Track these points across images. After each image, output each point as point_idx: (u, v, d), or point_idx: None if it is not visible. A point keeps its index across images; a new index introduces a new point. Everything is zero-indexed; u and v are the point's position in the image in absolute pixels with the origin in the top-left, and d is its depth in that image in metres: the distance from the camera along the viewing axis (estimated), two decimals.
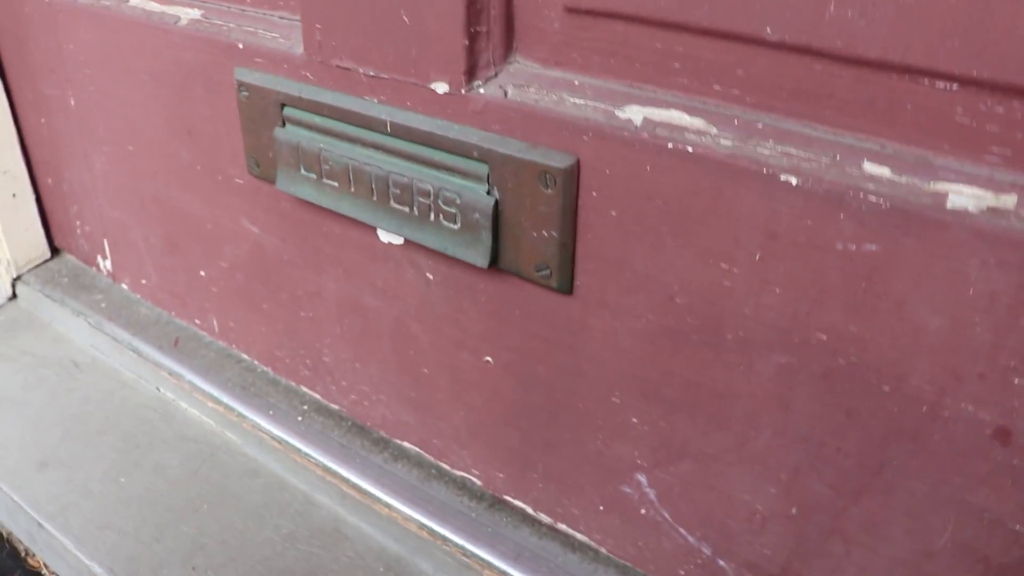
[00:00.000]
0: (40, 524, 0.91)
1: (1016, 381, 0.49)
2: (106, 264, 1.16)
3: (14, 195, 1.18)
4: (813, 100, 0.52)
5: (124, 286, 1.15)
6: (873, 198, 0.50)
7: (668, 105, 0.57)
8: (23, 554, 0.97)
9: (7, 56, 1.11)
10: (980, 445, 0.52)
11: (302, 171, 0.77)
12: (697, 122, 0.56)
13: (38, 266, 1.24)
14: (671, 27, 0.55)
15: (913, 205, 0.49)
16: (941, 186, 0.48)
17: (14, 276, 1.22)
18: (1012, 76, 0.45)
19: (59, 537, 0.89)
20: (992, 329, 0.49)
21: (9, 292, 1.23)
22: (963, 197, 0.48)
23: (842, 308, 0.54)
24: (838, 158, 0.51)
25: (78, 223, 1.17)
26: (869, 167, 0.50)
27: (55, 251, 1.26)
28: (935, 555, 0.57)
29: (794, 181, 0.52)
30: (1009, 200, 0.47)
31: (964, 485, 0.54)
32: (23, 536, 0.96)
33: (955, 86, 0.47)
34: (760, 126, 0.54)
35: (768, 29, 0.51)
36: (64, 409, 1.05)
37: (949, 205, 0.48)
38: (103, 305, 1.14)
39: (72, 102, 1.04)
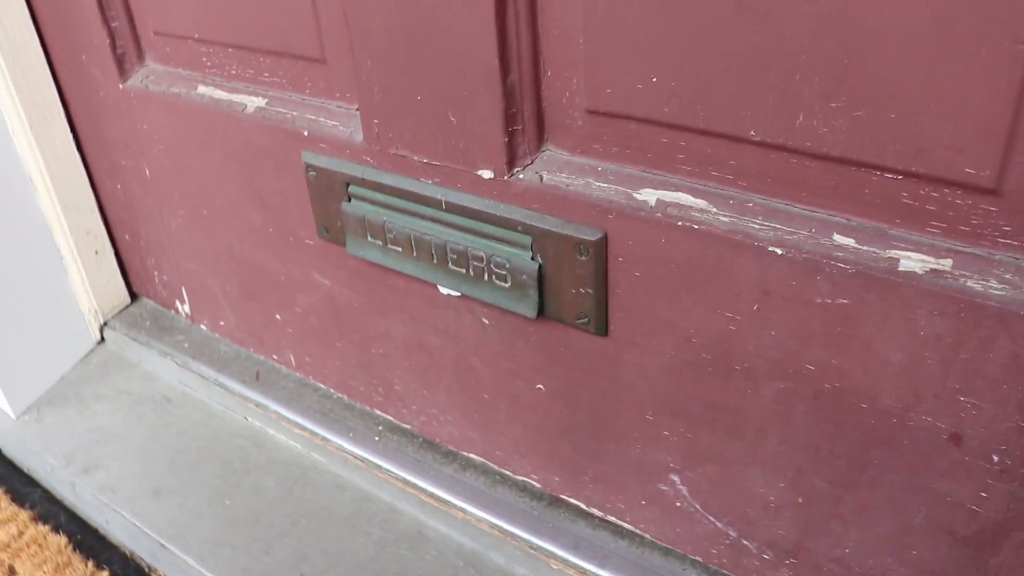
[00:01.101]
0: (162, 545, 1.07)
1: (961, 399, 0.63)
2: (184, 308, 1.31)
3: (96, 252, 1.33)
4: (791, 184, 0.66)
5: (203, 327, 1.30)
6: (842, 264, 0.64)
7: (676, 188, 0.71)
8: (147, 570, 1.13)
9: (83, 132, 1.25)
10: (939, 447, 0.66)
11: (368, 238, 0.91)
12: (700, 202, 0.70)
13: (121, 312, 1.39)
14: (674, 127, 0.69)
15: (873, 269, 0.63)
16: (894, 253, 0.62)
17: (102, 322, 1.37)
18: (941, 171, 0.59)
19: (181, 555, 1.05)
20: (940, 361, 0.63)
21: (98, 337, 1.38)
22: (911, 261, 0.62)
23: (824, 346, 0.68)
24: (814, 231, 0.65)
25: (156, 273, 1.32)
26: (838, 238, 0.64)
27: (134, 296, 1.41)
28: (913, 530, 0.72)
29: (779, 251, 0.66)
30: (946, 263, 0.61)
31: (931, 477, 0.68)
32: (146, 556, 1.12)
33: (899, 177, 0.61)
34: (751, 205, 0.68)
35: (752, 132, 0.65)
36: (165, 441, 1.20)
37: (900, 267, 0.62)
38: (185, 345, 1.29)
39: (147, 172, 1.19)
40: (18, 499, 1.24)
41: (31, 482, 1.28)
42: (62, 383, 1.34)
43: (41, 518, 1.20)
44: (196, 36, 1.01)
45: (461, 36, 0.73)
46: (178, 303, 1.32)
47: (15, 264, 1.25)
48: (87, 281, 1.33)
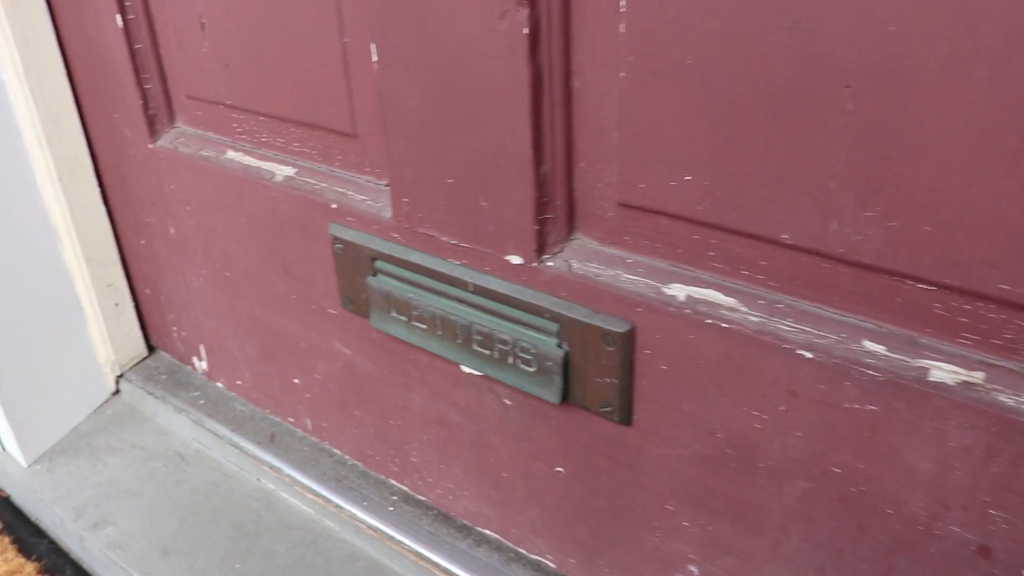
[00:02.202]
0: None
1: (991, 512, 0.63)
2: (202, 364, 1.31)
3: (116, 304, 1.34)
4: (823, 288, 0.66)
5: (219, 384, 1.30)
6: (871, 371, 0.64)
7: (706, 284, 0.71)
8: None
9: (110, 187, 1.26)
10: (968, 558, 0.66)
11: (393, 314, 0.92)
12: (730, 301, 0.70)
13: (137, 364, 1.40)
14: (706, 225, 0.69)
15: (903, 377, 0.63)
16: (925, 362, 0.62)
17: (118, 374, 1.38)
18: (975, 285, 0.59)
19: None
20: (969, 473, 0.63)
21: (114, 388, 1.38)
22: (942, 372, 0.62)
23: (851, 450, 0.68)
24: (844, 336, 0.65)
25: (175, 328, 1.32)
26: (868, 344, 0.64)
27: (151, 349, 1.42)
28: None
29: (808, 354, 0.66)
30: (978, 375, 0.61)
31: None
32: None
33: (933, 288, 0.61)
34: (781, 306, 0.68)
35: (784, 234, 0.65)
36: (176, 499, 1.20)
37: (931, 378, 0.62)
38: (201, 402, 1.29)
39: (171, 230, 1.19)
40: (25, 549, 1.24)
41: (38, 532, 1.28)
42: (75, 433, 1.34)
43: (47, 571, 1.20)
44: (228, 103, 1.02)
45: (496, 125, 0.74)
46: (195, 359, 1.32)
47: (36, 313, 1.25)
48: (106, 333, 1.34)
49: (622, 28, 0.66)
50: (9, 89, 1.15)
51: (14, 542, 1.23)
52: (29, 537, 1.26)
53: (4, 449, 1.32)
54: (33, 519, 1.29)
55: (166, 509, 1.19)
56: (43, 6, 1.15)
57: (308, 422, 1.17)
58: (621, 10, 0.65)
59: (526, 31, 0.69)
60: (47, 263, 1.26)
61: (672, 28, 0.63)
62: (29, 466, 1.29)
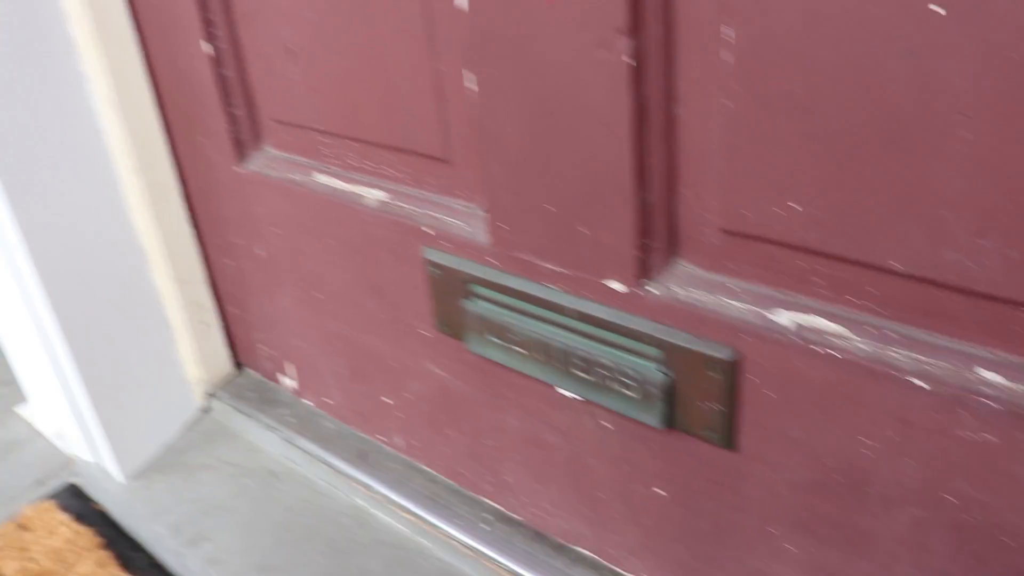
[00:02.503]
0: None
1: None
2: (290, 382, 1.34)
3: (204, 323, 1.37)
4: (935, 316, 0.65)
5: (307, 402, 1.33)
6: (988, 400, 0.63)
7: (813, 311, 0.71)
8: None
9: (198, 209, 1.29)
10: None
11: (490, 337, 0.92)
12: (838, 328, 0.70)
13: (225, 382, 1.42)
14: (812, 252, 0.69)
15: (1023, 407, 0.62)
16: None
17: (207, 392, 1.41)
18: None
19: None
20: None
21: (203, 405, 1.41)
22: None
23: (967, 480, 0.67)
24: (958, 364, 0.65)
25: (262, 347, 1.35)
26: (985, 373, 0.64)
27: (239, 366, 1.44)
28: None
29: (920, 383, 0.66)
30: None
31: None
32: None
33: None
34: (891, 334, 0.68)
35: (894, 262, 0.65)
36: (270, 516, 1.22)
37: None
38: (290, 419, 1.31)
39: (259, 251, 1.21)
40: (125, 564, 1.27)
41: (136, 547, 1.31)
42: (168, 450, 1.37)
43: None
44: (316, 127, 1.04)
45: (597, 152, 0.74)
46: (283, 377, 1.35)
47: (127, 333, 1.29)
48: (195, 351, 1.37)
49: (729, 58, 0.66)
50: (102, 117, 1.18)
51: (116, 558, 1.26)
52: (128, 552, 1.29)
53: (103, 466, 1.36)
54: (131, 533, 1.32)
55: (261, 526, 1.21)
56: (133, 36, 1.17)
57: (398, 440, 1.19)
58: (728, 40, 0.65)
59: (629, 60, 0.69)
60: (137, 284, 1.29)
61: (781, 58, 0.63)
62: (127, 482, 1.32)
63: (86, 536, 1.31)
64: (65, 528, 1.33)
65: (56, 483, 1.44)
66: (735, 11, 0.64)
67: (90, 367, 1.24)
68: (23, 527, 1.34)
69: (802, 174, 0.66)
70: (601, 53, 0.70)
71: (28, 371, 1.41)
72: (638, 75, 0.70)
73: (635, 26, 0.68)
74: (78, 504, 1.36)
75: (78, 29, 1.13)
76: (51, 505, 1.37)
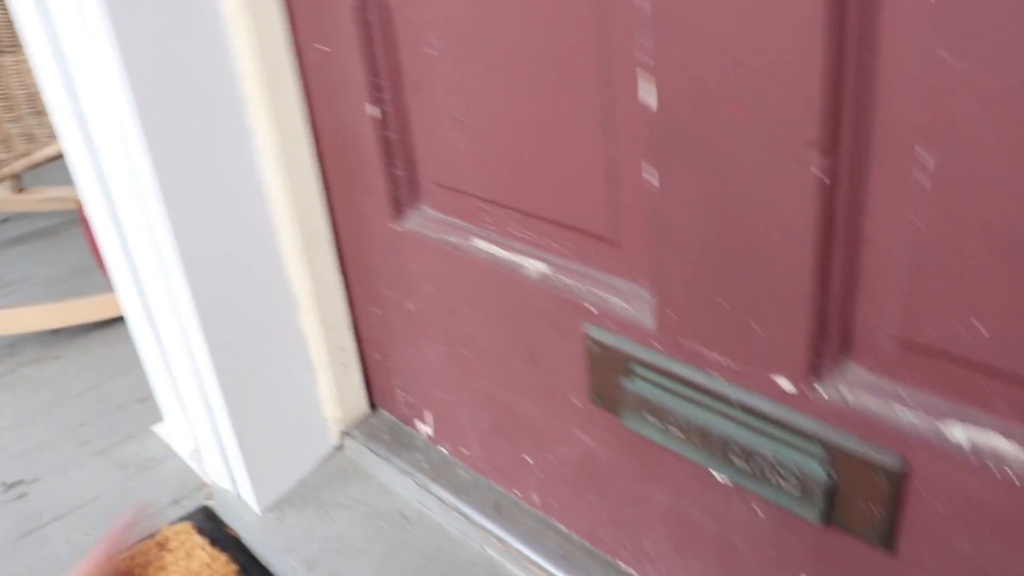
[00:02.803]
0: None
1: None
2: (426, 429, 1.38)
3: (345, 366, 1.42)
4: None
5: (443, 449, 1.37)
6: None
7: (990, 429, 0.72)
8: None
9: (349, 259, 1.34)
10: None
11: (647, 416, 0.95)
12: (1016, 450, 0.71)
13: (360, 422, 1.47)
14: (994, 372, 0.70)
15: None
16: None
17: (342, 430, 1.46)
18: None
19: None
20: None
21: (337, 443, 1.46)
22: None
23: None
24: None
25: (400, 392, 1.39)
26: None
27: (373, 407, 1.49)
28: None
29: None
30: None
31: None
32: None
33: None
34: None
35: None
36: (403, 560, 1.26)
37: None
38: (424, 465, 1.35)
39: (409, 305, 1.26)
40: None
41: None
42: (302, 485, 1.43)
43: None
44: (478, 194, 1.08)
45: (778, 258, 0.77)
46: (419, 423, 1.39)
47: (272, 371, 1.34)
48: (334, 392, 1.42)
49: (923, 180, 0.68)
50: (264, 168, 1.24)
51: None
52: None
53: (239, 495, 1.41)
54: (265, 564, 1.38)
55: (394, 569, 1.25)
56: (299, 94, 1.23)
57: (535, 497, 1.22)
58: (923, 162, 0.67)
59: (820, 175, 0.71)
60: (285, 326, 1.35)
61: (980, 186, 0.64)
62: (262, 514, 1.38)
63: (221, 561, 1.37)
64: (202, 551, 1.39)
65: (191, 504, 1.51)
66: (933, 135, 0.66)
67: (235, 399, 1.30)
68: (162, 546, 1.40)
69: (991, 297, 0.67)
70: (792, 164, 0.72)
71: (169, 394, 1.48)
72: (828, 189, 0.72)
73: (829, 142, 0.70)
74: (212, 528, 1.43)
75: (249, 87, 1.19)
76: (188, 527, 1.43)
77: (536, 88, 0.93)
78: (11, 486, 1.62)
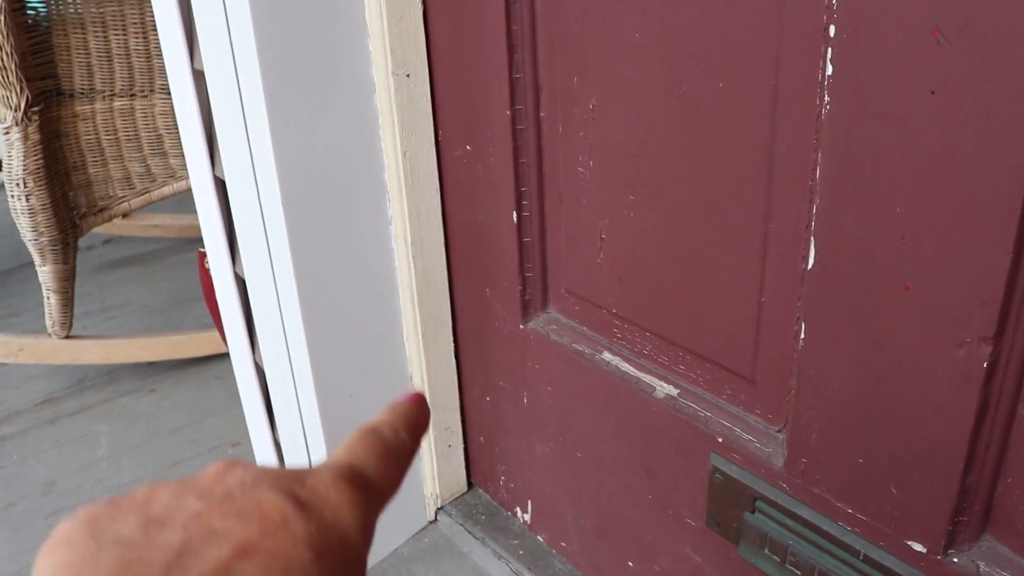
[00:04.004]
0: None
1: None
2: (525, 516, 1.41)
3: (449, 446, 1.46)
4: None
5: (540, 539, 1.40)
6: None
7: None
8: None
9: (466, 347, 1.39)
10: None
11: (767, 551, 0.98)
12: None
13: (456, 498, 1.51)
14: None
15: None
16: None
17: (438, 506, 1.49)
18: None
19: None
20: None
21: (432, 518, 1.50)
22: None
23: None
24: None
25: (503, 479, 1.43)
26: None
27: (470, 484, 1.53)
28: None
29: None
30: None
31: None
32: None
33: None
34: None
35: None
36: None
37: None
38: (520, 552, 1.39)
39: (525, 400, 1.30)
40: None
41: None
42: (395, 556, 1.46)
43: None
44: (611, 309, 1.12)
45: (929, 433, 0.79)
46: (519, 510, 1.42)
47: None
48: (435, 470, 1.46)
49: None
50: (397, 253, 1.29)
51: None
52: None
53: None
54: None
55: None
56: (436, 188, 1.28)
57: None
58: None
59: (985, 364, 0.74)
60: None
61: None
62: None
63: None
64: None
65: None
66: None
67: None
68: None
69: None
70: (958, 353, 0.75)
71: (264, 444, 1.53)
72: (991, 377, 0.75)
73: (999, 335, 0.73)
74: None
75: (390, 177, 1.24)
76: None
77: (690, 224, 0.96)
78: None
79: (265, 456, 1.60)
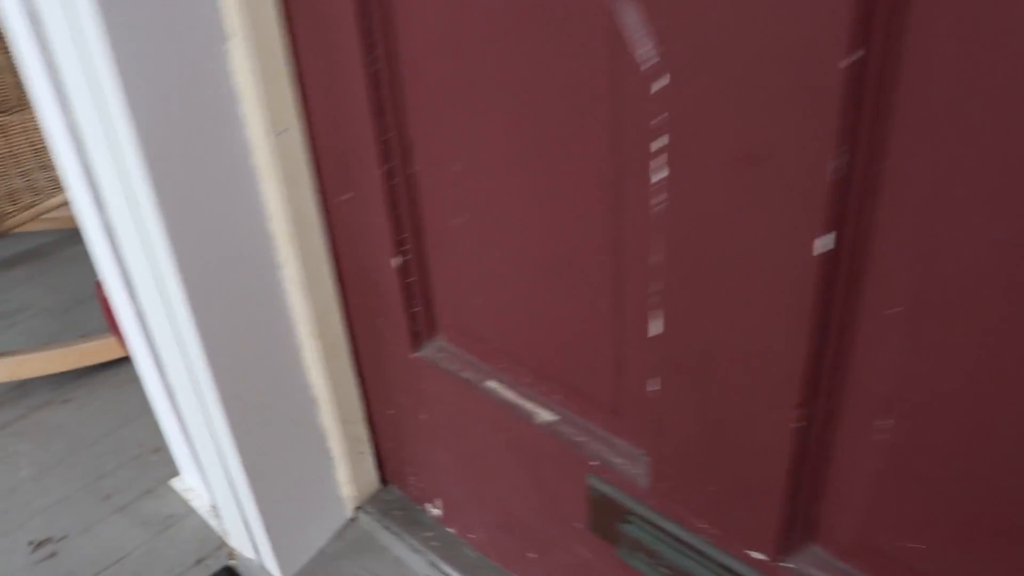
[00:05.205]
0: None
1: None
2: (436, 511, 1.56)
3: (360, 452, 1.59)
4: None
5: (451, 531, 1.55)
6: None
7: None
8: None
9: (366, 369, 1.50)
10: None
11: (640, 555, 1.14)
12: None
13: (372, 496, 1.65)
14: None
15: None
16: None
17: (356, 505, 1.63)
18: None
19: None
20: None
21: (351, 516, 1.64)
22: None
23: None
24: None
25: (412, 478, 1.57)
26: None
27: (385, 482, 1.67)
28: None
29: None
30: None
31: None
32: None
33: None
34: None
35: None
36: None
37: None
38: (434, 543, 1.53)
39: (422, 416, 1.43)
40: None
41: None
42: (321, 555, 1.60)
43: None
44: (493, 344, 1.24)
45: (759, 468, 0.95)
46: (429, 506, 1.57)
47: (295, 460, 1.51)
48: (350, 475, 1.59)
49: (882, 439, 0.86)
50: (291, 295, 1.39)
51: None
52: None
53: (263, 564, 1.59)
54: None
55: None
56: (324, 235, 1.38)
57: None
58: (881, 431, 0.85)
59: (795, 426, 0.89)
60: (307, 424, 1.51)
61: (934, 454, 0.82)
62: None
63: None
64: None
65: (215, 564, 1.67)
66: (894, 408, 0.84)
67: (259, 481, 1.46)
68: None
69: (931, 527, 0.86)
70: (773, 415, 0.90)
71: (188, 457, 1.64)
72: (806, 431, 0.90)
73: (807, 404, 0.88)
74: None
75: (277, 227, 1.34)
76: None
77: (552, 281, 1.09)
78: (40, 544, 1.75)
79: (185, 461, 1.71)
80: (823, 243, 0.77)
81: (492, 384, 1.27)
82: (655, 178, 0.88)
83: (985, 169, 0.67)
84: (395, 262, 1.29)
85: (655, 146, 0.87)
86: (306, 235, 1.36)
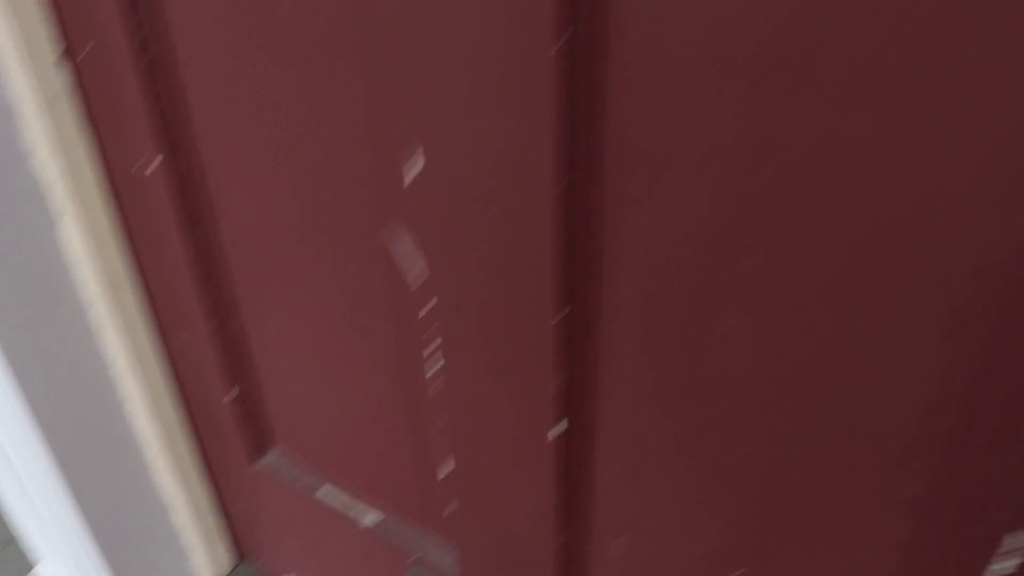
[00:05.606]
0: None
1: None
2: None
3: (215, 541, 1.80)
4: None
5: None
6: None
7: None
8: None
9: (219, 475, 1.71)
10: None
11: None
12: None
13: (231, 572, 1.86)
14: None
15: None
16: None
17: None
18: None
19: None
20: None
21: None
22: None
23: None
24: None
25: (266, 558, 1.78)
26: None
27: (242, 558, 1.88)
28: None
29: None
30: None
31: None
32: None
33: None
34: None
35: None
36: None
37: None
38: None
39: (265, 516, 1.65)
40: None
41: None
42: None
43: None
44: (324, 455, 1.47)
45: (535, 568, 1.22)
46: None
47: (153, 552, 1.71)
48: (208, 558, 1.80)
49: None
50: (137, 421, 1.58)
51: None
52: None
53: None
54: None
55: None
56: (168, 374, 1.56)
57: None
58: None
59: (559, 544, 1.16)
60: (161, 524, 1.70)
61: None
62: None
63: None
64: None
65: None
66: None
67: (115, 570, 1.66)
68: None
69: None
70: (539, 536, 1.17)
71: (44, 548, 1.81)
72: (563, 551, 1.17)
73: (563, 526, 1.15)
74: None
75: (121, 369, 1.52)
76: None
77: (366, 407, 1.31)
78: None
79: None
80: (556, 431, 1.03)
81: (326, 487, 1.50)
82: (431, 370, 1.12)
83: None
84: (227, 397, 1.50)
85: (426, 352, 1.11)
86: (147, 371, 1.54)
